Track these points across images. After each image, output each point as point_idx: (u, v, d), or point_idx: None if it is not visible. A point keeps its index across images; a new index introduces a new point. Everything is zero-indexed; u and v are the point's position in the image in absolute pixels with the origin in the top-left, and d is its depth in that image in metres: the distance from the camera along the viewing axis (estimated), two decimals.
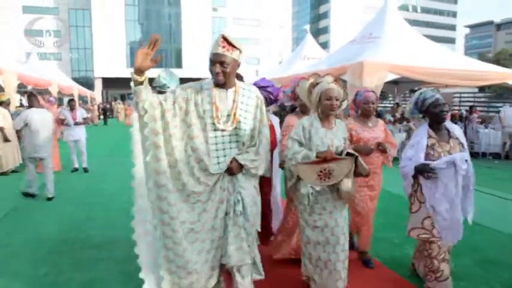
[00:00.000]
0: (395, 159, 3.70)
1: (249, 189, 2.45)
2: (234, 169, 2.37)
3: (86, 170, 8.28)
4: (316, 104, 2.81)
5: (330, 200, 2.73)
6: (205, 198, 2.35)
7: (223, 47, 2.26)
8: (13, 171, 8.18)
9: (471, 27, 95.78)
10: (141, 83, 2.16)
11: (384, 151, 3.44)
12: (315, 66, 10.11)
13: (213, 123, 2.31)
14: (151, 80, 2.48)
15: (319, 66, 9.40)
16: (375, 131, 3.49)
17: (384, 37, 8.70)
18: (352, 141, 3.39)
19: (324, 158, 2.58)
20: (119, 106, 29.35)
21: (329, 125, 2.81)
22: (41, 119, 5.95)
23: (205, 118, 2.32)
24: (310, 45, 14.64)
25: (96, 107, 26.47)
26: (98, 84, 44.54)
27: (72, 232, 4.48)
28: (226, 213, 2.40)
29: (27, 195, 6.04)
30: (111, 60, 43.86)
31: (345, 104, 2.90)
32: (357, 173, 2.65)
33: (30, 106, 6.10)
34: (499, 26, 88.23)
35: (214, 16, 50.15)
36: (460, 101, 17.07)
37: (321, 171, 2.54)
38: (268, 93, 3.37)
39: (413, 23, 78.76)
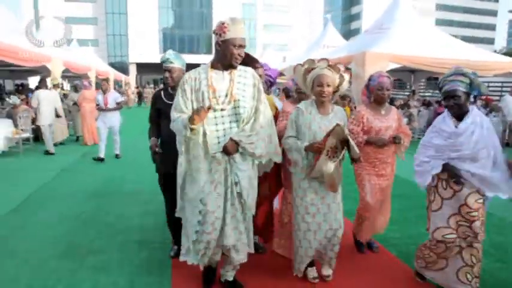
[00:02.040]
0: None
1: (246, 171, 2.48)
2: (229, 147, 2.37)
3: (117, 157, 8.03)
4: (311, 90, 2.80)
5: (323, 185, 2.72)
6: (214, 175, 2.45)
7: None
8: (61, 143, 9.67)
9: None
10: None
11: (396, 142, 3.23)
12: (329, 54, 10.79)
13: (212, 102, 2.38)
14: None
15: (333, 55, 10.08)
16: (388, 120, 3.27)
17: (393, 28, 9.30)
18: (364, 130, 3.25)
19: (317, 146, 2.61)
20: (147, 91, 29.81)
21: (325, 111, 2.77)
22: (46, 96, 8.43)
23: (204, 100, 2.39)
24: (331, 34, 15.20)
25: (130, 91, 27.87)
26: (132, 69, 46.54)
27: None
28: (225, 193, 2.46)
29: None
30: (144, 46, 45.65)
31: (343, 90, 2.88)
32: (351, 158, 2.70)
33: (37, 88, 7.92)
34: None
35: (244, 3, 50.79)
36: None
37: (327, 151, 2.59)
38: (268, 77, 3.34)
39: (450, 8, 76.49)
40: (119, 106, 7.95)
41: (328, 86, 2.69)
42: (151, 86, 35.38)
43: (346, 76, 2.82)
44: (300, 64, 2.84)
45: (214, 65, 2.47)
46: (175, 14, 49.40)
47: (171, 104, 2.57)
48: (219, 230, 2.46)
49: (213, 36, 2.42)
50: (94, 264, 3.25)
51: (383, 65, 7.88)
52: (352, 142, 2.60)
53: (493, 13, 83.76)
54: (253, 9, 52.35)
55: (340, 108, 2.93)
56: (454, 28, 75.25)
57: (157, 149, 3.08)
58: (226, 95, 2.42)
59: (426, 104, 12.84)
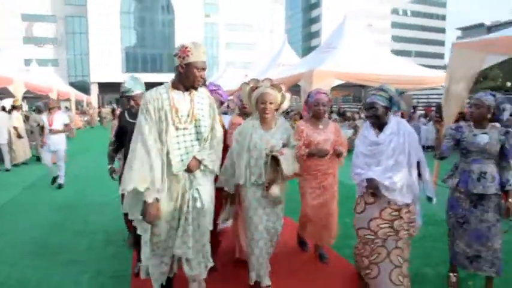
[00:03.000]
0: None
1: (207, 186, 2.61)
2: (192, 166, 2.51)
3: (60, 187, 6.97)
4: (255, 107, 3.03)
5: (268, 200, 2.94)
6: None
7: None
8: (23, 163, 9.84)
9: (463, 29, 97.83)
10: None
11: (338, 155, 3.48)
12: (284, 72, 11.58)
13: (174, 124, 2.46)
14: (118, 84, 3.32)
15: (286, 72, 10.87)
16: (326, 133, 3.51)
17: (339, 48, 10.23)
18: (305, 143, 3.45)
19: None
20: (105, 111, 27.54)
21: (267, 126, 2.99)
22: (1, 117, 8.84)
23: (168, 119, 2.45)
24: (287, 53, 16.11)
25: (92, 111, 27.56)
26: (94, 89, 46.01)
27: None
28: (186, 209, 2.52)
29: None
30: (107, 66, 45.42)
31: (284, 107, 3.11)
32: (284, 176, 2.85)
33: None
34: (489, 29, 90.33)
35: (206, 22, 51.78)
36: (418, 102, 18.69)
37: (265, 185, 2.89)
38: (218, 95, 3.61)
39: (404, 26, 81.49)
40: (66, 128, 7.11)
41: (271, 103, 2.93)
42: (112, 105, 34.41)
43: (287, 95, 3.09)
44: (246, 83, 3.09)
45: (175, 86, 2.53)
46: (137, 33, 49.58)
47: (134, 123, 2.64)
48: (173, 241, 2.56)
49: (174, 59, 2.49)
50: (64, 260, 3.71)
51: (329, 82, 8.68)
52: (282, 163, 2.80)
53: (442, 30, 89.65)
54: (216, 28, 53.40)
55: (284, 121, 3.15)
56: (408, 44, 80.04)
57: (114, 176, 3.53)
58: (188, 115, 2.51)
59: None
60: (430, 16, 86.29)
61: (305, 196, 3.55)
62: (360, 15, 66.56)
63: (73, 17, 47.82)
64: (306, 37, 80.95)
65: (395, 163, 2.78)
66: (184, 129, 2.50)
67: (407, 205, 2.84)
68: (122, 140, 3.38)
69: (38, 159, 10.50)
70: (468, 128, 3.13)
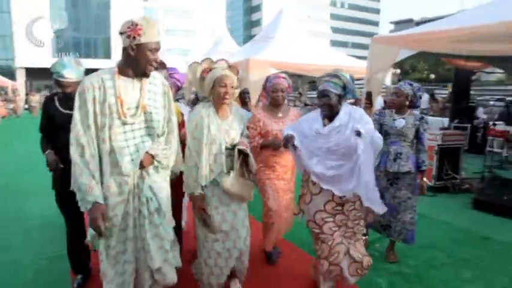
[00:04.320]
0: None
1: (161, 183, 2.27)
2: (144, 162, 2.15)
3: None
4: (210, 91, 2.60)
5: (230, 197, 2.60)
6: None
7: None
8: None
9: (395, 23, 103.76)
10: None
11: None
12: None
13: (120, 118, 2.06)
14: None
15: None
16: (285, 122, 3.16)
17: (276, 37, 10.59)
18: (261, 134, 3.18)
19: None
20: (33, 98, 24.54)
21: (224, 114, 2.62)
22: None
23: (112, 113, 2.06)
24: (227, 41, 16.21)
25: (19, 98, 25.47)
26: (21, 74, 42.61)
27: None
28: (140, 211, 2.19)
29: None
30: (34, 50, 42.18)
31: (237, 92, 2.78)
32: (248, 171, 2.63)
33: None
34: (418, 24, 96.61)
35: (145, 6, 49.91)
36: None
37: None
38: (175, 80, 3.21)
39: (341, 18, 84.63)
40: None
41: (232, 87, 2.56)
42: (43, 92, 31.64)
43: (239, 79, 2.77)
44: (197, 62, 2.67)
45: (122, 71, 2.11)
46: (69, 15, 46.52)
47: (69, 115, 2.23)
48: (132, 252, 2.22)
49: (121, 38, 2.06)
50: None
51: (265, 70, 8.99)
52: (251, 159, 2.61)
53: (376, 23, 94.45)
54: (154, 13, 51.70)
55: (238, 108, 2.86)
56: (346, 35, 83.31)
57: (59, 165, 2.69)
58: (137, 107, 2.12)
59: (309, 105, 14.64)
60: (366, 9, 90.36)
61: (265, 190, 3.24)
62: (300, 5, 68.04)
63: None
64: (247, 25, 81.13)
65: (336, 159, 2.59)
66: (132, 124, 2.12)
67: (353, 201, 2.68)
68: (50, 134, 2.81)
69: None
70: (389, 113, 3.59)
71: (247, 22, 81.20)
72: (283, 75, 3.29)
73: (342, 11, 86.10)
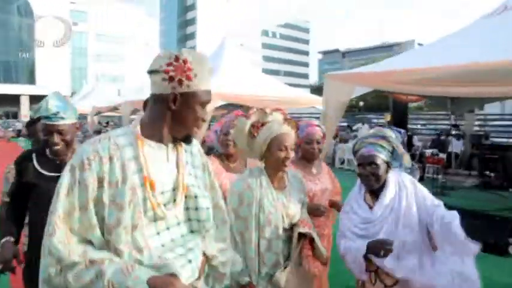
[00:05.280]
0: None
1: None
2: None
3: None
4: (263, 154, 1.98)
5: None
6: None
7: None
8: None
9: (323, 53, 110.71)
10: None
11: (339, 209, 2.50)
12: None
13: (149, 212, 1.26)
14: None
15: None
16: (322, 180, 2.60)
17: (221, 68, 10.58)
18: None
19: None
20: None
21: (281, 184, 2.02)
22: None
23: (137, 206, 1.23)
24: None
25: None
26: None
27: None
28: None
29: None
30: None
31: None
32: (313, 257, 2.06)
33: None
34: (343, 54, 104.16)
35: (74, 30, 47.75)
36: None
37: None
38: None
39: (273, 47, 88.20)
40: None
41: (292, 149, 1.95)
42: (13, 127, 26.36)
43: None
44: (244, 115, 2.01)
45: (149, 133, 1.29)
46: None
47: (53, 177, 1.72)
48: None
49: (153, 79, 1.26)
50: None
51: (213, 103, 8.91)
52: (317, 242, 2.00)
53: (306, 53, 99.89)
54: (85, 38, 49.73)
55: (295, 173, 2.20)
56: (277, 64, 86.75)
57: (18, 264, 1.89)
58: (174, 189, 1.33)
59: None
60: (296, 40, 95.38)
61: None
62: (233, 34, 69.64)
63: None
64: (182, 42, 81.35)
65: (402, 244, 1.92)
66: (165, 218, 1.30)
67: None
68: (23, 204, 2.02)
69: None
70: None
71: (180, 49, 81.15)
72: (317, 122, 2.72)
73: (273, 41, 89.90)
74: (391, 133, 2.04)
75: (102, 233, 1.20)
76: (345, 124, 17.34)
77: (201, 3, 77.03)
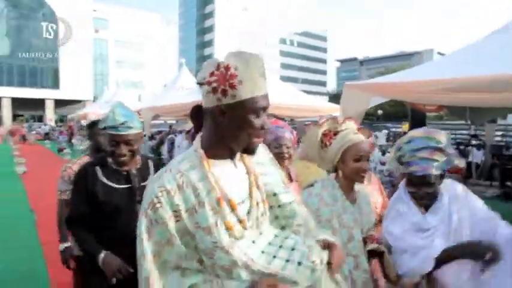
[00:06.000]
0: None
1: None
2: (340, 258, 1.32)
3: None
4: (335, 164, 1.89)
5: None
6: None
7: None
8: None
9: (341, 61, 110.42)
10: None
11: None
12: (185, 97, 11.18)
13: (231, 233, 1.15)
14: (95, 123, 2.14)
15: (189, 97, 10.30)
16: (373, 193, 2.37)
17: None
18: None
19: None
20: None
21: (353, 196, 1.91)
22: None
23: (219, 226, 1.14)
24: (186, 76, 16.17)
25: None
26: None
27: None
28: None
29: None
30: None
31: None
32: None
33: None
34: (361, 62, 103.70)
35: (96, 37, 49.03)
36: None
37: None
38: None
39: (291, 55, 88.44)
40: None
41: (367, 160, 1.85)
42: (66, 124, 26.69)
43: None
44: (317, 123, 1.93)
45: (213, 152, 1.20)
46: (11, 42, 44.42)
47: (121, 190, 1.76)
48: None
49: (202, 92, 1.16)
50: None
51: None
52: (388, 258, 1.80)
53: (323, 61, 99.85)
54: (105, 45, 50.92)
55: (359, 186, 2.02)
56: (295, 72, 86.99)
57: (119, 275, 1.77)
58: (251, 195, 1.24)
59: None
60: (314, 48, 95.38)
61: None
62: (250, 42, 70.25)
63: None
64: (200, 60, 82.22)
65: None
66: (248, 228, 1.20)
67: None
68: (87, 225, 1.91)
69: None
70: None
71: (199, 57, 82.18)
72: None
73: (291, 48, 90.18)
74: (442, 137, 1.74)
75: (198, 261, 1.15)
76: None
77: (218, 12, 78.03)
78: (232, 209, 1.15)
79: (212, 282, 1.13)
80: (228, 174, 1.20)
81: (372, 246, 1.80)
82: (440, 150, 1.71)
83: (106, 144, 1.96)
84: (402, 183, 1.88)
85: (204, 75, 1.13)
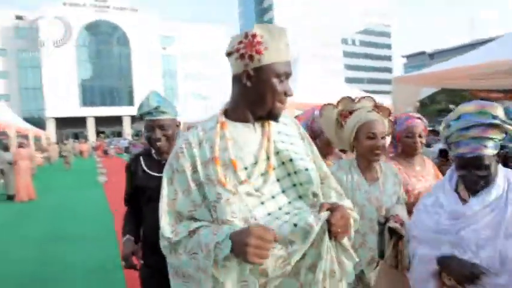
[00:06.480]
0: None
1: None
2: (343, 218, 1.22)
3: None
4: (351, 143, 1.90)
5: None
6: None
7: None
8: None
9: (407, 57, 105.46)
10: None
11: None
12: None
13: (240, 182, 1.22)
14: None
15: None
16: (426, 177, 2.31)
17: (296, 80, 11.14)
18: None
19: None
20: (66, 148, 22.71)
21: (373, 176, 1.91)
22: None
23: (231, 176, 1.23)
24: None
25: (51, 147, 26.00)
26: (51, 124, 44.74)
27: None
28: None
29: None
30: (63, 100, 44.47)
31: (388, 141, 2.05)
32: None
33: None
34: (431, 56, 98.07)
35: (164, 54, 52.35)
36: None
37: None
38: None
39: (354, 55, 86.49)
40: None
41: (383, 138, 1.85)
42: (72, 140, 32.94)
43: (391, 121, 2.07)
44: (332, 104, 1.98)
45: (233, 114, 1.32)
46: (93, 66, 49.23)
47: (157, 177, 1.66)
48: None
49: (230, 61, 1.27)
50: None
51: (290, 113, 9.42)
52: (405, 241, 1.72)
53: (388, 58, 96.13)
54: (173, 60, 54.05)
55: (389, 165, 2.05)
56: (359, 72, 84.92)
57: (135, 263, 1.97)
58: (268, 157, 1.28)
59: None
60: (376, 46, 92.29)
61: None
62: (313, 46, 70.04)
63: (25, 51, 46.82)
64: None
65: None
66: (261, 189, 1.25)
67: None
68: (136, 208, 2.08)
69: (9, 197, 10.30)
70: None
71: None
72: (418, 115, 2.48)
73: (353, 48, 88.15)
74: (499, 110, 1.48)
75: (209, 212, 1.23)
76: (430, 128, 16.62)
77: (278, 21, 78.98)
78: (234, 169, 1.23)
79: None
80: (244, 137, 1.29)
81: (393, 224, 1.73)
82: (497, 126, 1.47)
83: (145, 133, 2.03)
84: (449, 170, 1.68)
85: (232, 45, 1.25)
